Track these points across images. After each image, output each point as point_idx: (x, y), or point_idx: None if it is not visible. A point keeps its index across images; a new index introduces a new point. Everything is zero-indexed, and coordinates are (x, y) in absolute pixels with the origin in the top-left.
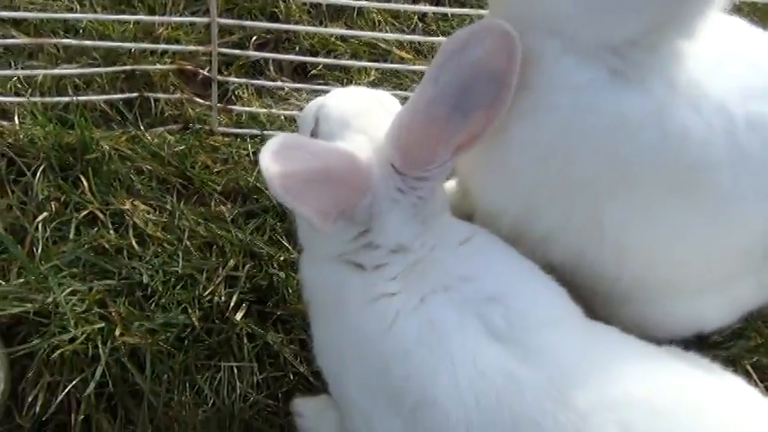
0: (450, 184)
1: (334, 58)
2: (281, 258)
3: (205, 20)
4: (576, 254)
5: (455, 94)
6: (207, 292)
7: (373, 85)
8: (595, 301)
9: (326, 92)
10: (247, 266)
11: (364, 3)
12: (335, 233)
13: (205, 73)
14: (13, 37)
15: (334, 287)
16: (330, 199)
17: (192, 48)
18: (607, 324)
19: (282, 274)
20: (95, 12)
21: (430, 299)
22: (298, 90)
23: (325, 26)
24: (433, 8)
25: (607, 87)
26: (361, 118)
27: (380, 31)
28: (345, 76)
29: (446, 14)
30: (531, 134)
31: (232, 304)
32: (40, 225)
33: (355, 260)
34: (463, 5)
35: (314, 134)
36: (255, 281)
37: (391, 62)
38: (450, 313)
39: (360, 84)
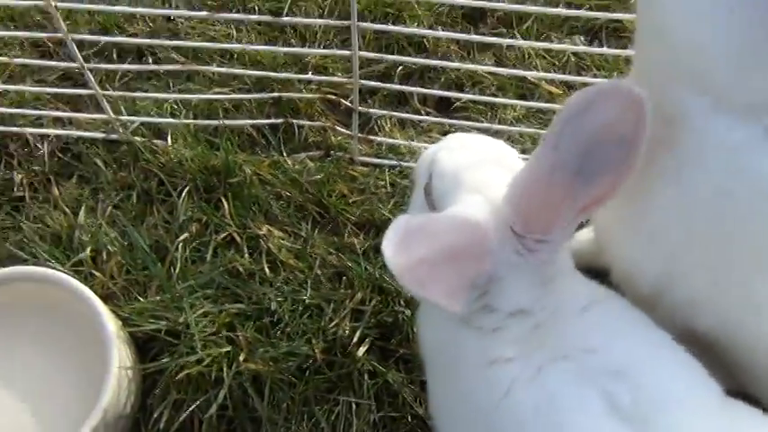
0: (586, 234)
1: (480, 90)
2: (409, 295)
3: (347, 52)
4: (723, 321)
5: (577, 159)
6: (332, 324)
7: (519, 121)
8: (742, 374)
9: (469, 128)
10: (374, 301)
11: (522, 43)
12: None
13: (347, 103)
14: (172, 60)
15: (450, 348)
16: (456, 276)
17: (335, 79)
18: (751, 402)
19: (408, 312)
20: (250, 37)
21: (548, 369)
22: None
23: (473, 58)
24: (586, 48)
25: (762, 148)
26: (476, 174)
27: (530, 64)
28: (490, 111)
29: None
30: (675, 195)
31: (355, 339)
32: (180, 245)
33: (472, 322)
34: (620, 38)
35: (428, 190)
36: (381, 317)
37: (539, 98)
38: (570, 387)
39: (505, 119)
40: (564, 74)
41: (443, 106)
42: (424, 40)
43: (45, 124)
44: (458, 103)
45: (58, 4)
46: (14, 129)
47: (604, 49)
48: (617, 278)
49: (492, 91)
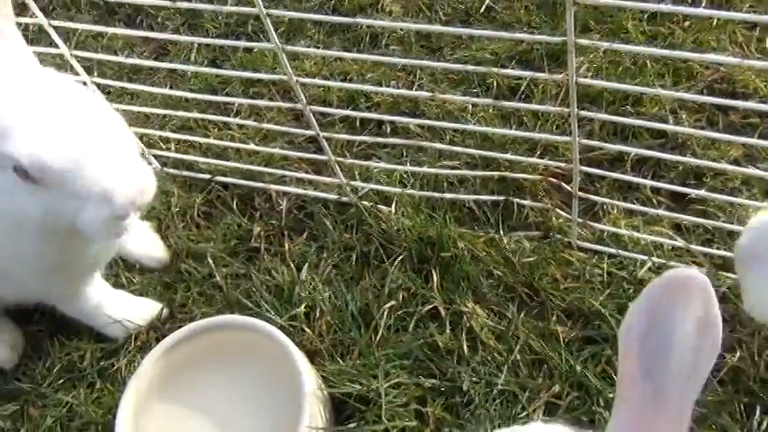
0: None
1: (722, 182)
2: (610, 396)
3: (566, 138)
4: None
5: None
6: (523, 414)
7: None
8: None
9: (702, 225)
10: (571, 396)
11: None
12: None
13: (568, 187)
14: (409, 130)
15: None
16: None
17: (555, 163)
18: None
19: (607, 415)
20: (482, 115)
21: None
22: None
23: (718, 147)
24: None
25: None
26: None
27: None
28: (730, 207)
29: None
30: None
31: None
32: (386, 312)
33: None
34: None
35: None
36: (576, 413)
37: None
38: None
39: (744, 219)
40: None
41: (679, 195)
42: (667, 123)
43: (287, 182)
44: (692, 196)
45: (300, 79)
46: (261, 185)
47: None
48: None
49: (736, 185)
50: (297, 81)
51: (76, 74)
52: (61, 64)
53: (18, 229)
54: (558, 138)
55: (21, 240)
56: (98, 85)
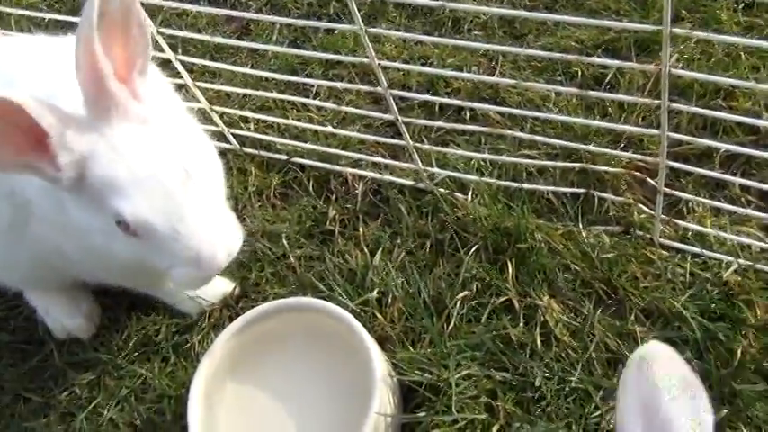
0: None
1: None
2: None
3: (654, 131)
4: None
5: None
6: (596, 413)
7: None
8: None
9: None
10: None
11: None
12: None
13: (653, 182)
14: (488, 117)
15: None
16: None
17: (639, 156)
18: None
19: None
20: (565, 103)
21: None
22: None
23: None
24: None
25: None
26: None
27: None
28: None
29: None
30: None
31: None
32: (458, 302)
33: None
34: None
35: None
36: None
37: None
38: None
39: None
40: None
41: None
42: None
43: (364, 166)
44: None
45: (382, 62)
46: (337, 167)
47: None
48: None
49: None
50: (378, 64)
51: (162, 51)
52: None
53: (108, 259)
54: (646, 130)
55: (109, 265)
56: (182, 63)
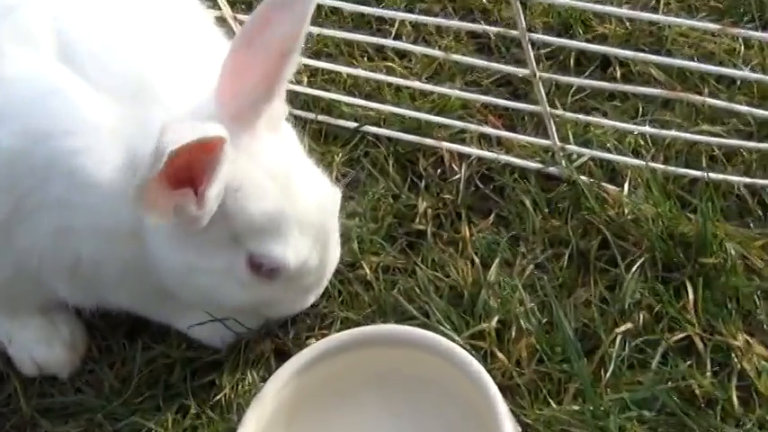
0: None
1: None
2: None
3: None
4: None
5: None
6: None
7: None
8: None
9: None
10: None
11: None
12: None
13: None
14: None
15: None
16: None
17: None
18: None
19: None
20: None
21: None
22: None
23: None
24: None
25: None
26: None
27: None
28: None
29: None
30: None
31: None
32: (619, 338)
33: None
34: None
35: None
36: None
37: None
38: None
39: None
40: None
41: None
42: None
43: (468, 140)
44: None
45: None
46: (430, 141)
47: None
48: None
49: None
50: None
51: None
52: None
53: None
54: None
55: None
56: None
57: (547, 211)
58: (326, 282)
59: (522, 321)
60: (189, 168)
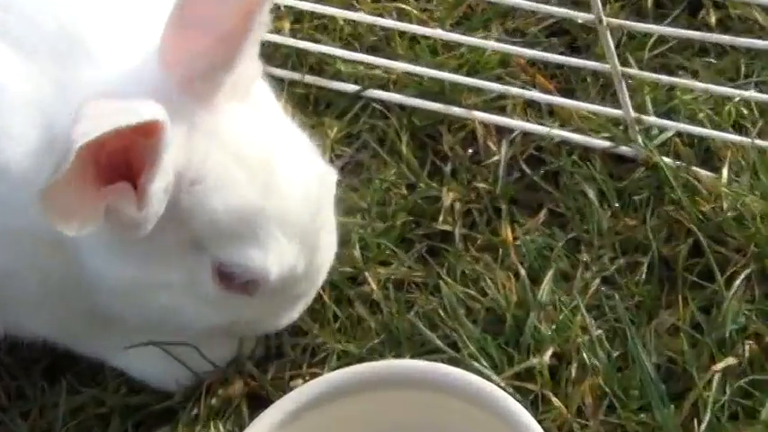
0: None
1: None
2: None
3: None
4: None
5: None
6: None
7: None
8: None
9: None
10: None
11: None
12: None
13: None
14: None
15: None
16: None
17: None
18: None
19: None
20: None
21: None
22: None
23: None
24: None
25: None
26: None
27: None
28: None
29: None
30: None
31: None
32: (717, 377)
33: None
34: None
35: None
36: None
37: None
38: None
39: None
40: None
41: None
42: None
43: (508, 111)
44: None
45: None
46: (457, 110)
47: None
48: None
49: None
50: None
51: None
52: None
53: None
54: None
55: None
56: None
57: (618, 205)
58: (319, 286)
59: (585, 355)
60: (125, 155)
